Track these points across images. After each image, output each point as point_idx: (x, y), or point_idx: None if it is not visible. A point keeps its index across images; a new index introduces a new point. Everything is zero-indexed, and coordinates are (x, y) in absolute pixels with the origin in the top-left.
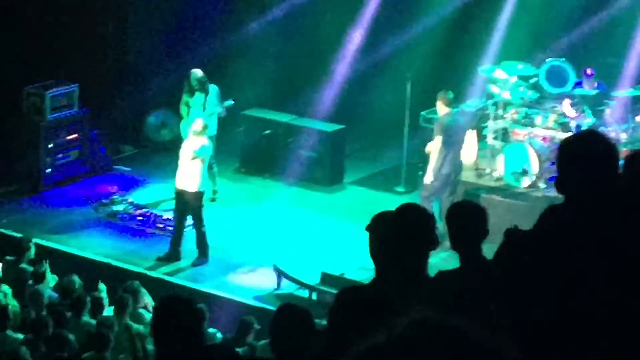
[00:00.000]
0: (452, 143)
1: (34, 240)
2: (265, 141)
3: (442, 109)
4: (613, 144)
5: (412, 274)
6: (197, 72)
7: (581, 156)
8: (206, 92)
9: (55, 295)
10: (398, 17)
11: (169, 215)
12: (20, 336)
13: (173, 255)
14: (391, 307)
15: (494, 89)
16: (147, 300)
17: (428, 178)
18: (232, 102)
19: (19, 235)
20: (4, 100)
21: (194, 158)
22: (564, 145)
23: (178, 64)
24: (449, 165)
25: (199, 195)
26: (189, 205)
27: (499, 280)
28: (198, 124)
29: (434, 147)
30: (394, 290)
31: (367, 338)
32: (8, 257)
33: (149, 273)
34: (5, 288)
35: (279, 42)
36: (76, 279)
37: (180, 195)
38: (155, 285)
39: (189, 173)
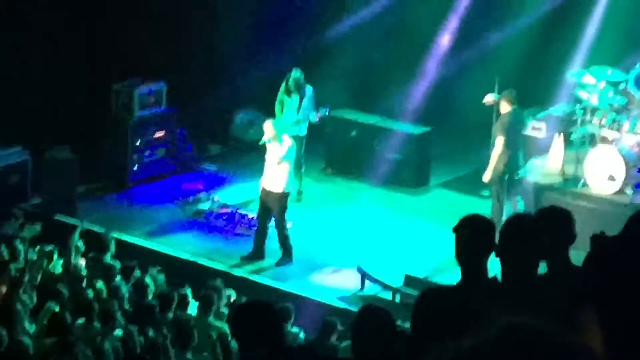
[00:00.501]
0: (511, 142)
1: (119, 237)
2: (351, 142)
3: (504, 107)
4: None
5: (497, 278)
6: (296, 72)
7: None
8: (302, 94)
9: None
10: (487, 20)
11: (254, 214)
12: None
13: (257, 254)
14: (474, 311)
15: (582, 94)
16: (233, 298)
17: (486, 177)
18: (328, 111)
19: (100, 229)
20: (93, 98)
21: (279, 162)
22: None
23: (265, 63)
24: (503, 165)
25: (283, 196)
26: (273, 206)
27: (588, 286)
28: (269, 131)
29: (496, 147)
30: (478, 294)
31: (449, 342)
32: (90, 254)
33: (233, 272)
34: (100, 284)
35: (367, 43)
36: (161, 276)
37: (265, 195)
38: (239, 284)
39: (275, 174)
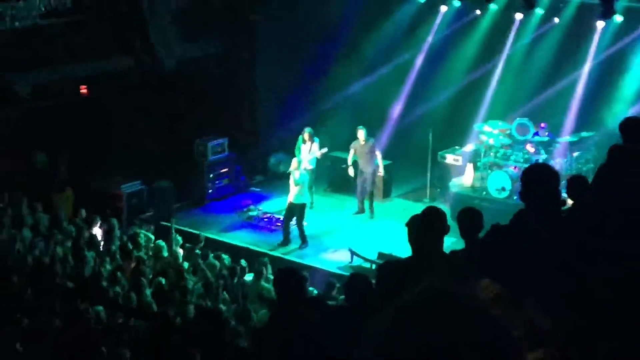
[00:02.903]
0: None
1: (204, 234)
2: (343, 171)
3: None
4: (556, 171)
5: (432, 253)
6: (309, 129)
7: (536, 179)
8: (312, 142)
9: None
10: (424, 90)
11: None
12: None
13: (285, 242)
14: (416, 275)
15: (483, 137)
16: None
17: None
18: (327, 150)
19: (194, 231)
20: (183, 148)
21: (299, 184)
22: (526, 172)
23: (290, 123)
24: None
25: (302, 206)
26: (296, 212)
27: (486, 257)
28: (293, 164)
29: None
30: (420, 264)
31: (395, 296)
32: (187, 245)
33: (272, 253)
34: (185, 264)
35: (347, 110)
36: (227, 256)
37: (290, 205)
38: (276, 261)
39: (296, 191)
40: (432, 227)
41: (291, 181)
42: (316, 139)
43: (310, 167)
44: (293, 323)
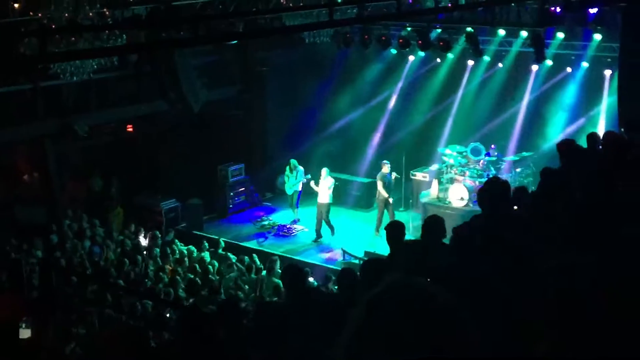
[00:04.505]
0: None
1: (223, 239)
2: (336, 188)
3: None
4: (505, 181)
5: (404, 250)
6: (294, 160)
7: (489, 189)
8: (297, 170)
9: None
10: (398, 121)
11: (289, 224)
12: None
13: (318, 237)
14: (392, 268)
15: (445, 158)
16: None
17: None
18: (309, 177)
19: (217, 237)
20: (208, 172)
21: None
22: (483, 185)
23: (292, 150)
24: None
25: (328, 206)
26: (323, 210)
27: (454, 255)
28: (329, 181)
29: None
30: (395, 259)
31: (369, 289)
32: (210, 248)
33: (281, 254)
34: (215, 262)
35: (328, 139)
36: (247, 258)
37: (319, 205)
38: (284, 259)
39: (323, 196)
40: (403, 231)
41: (319, 187)
42: (300, 169)
43: (300, 189)
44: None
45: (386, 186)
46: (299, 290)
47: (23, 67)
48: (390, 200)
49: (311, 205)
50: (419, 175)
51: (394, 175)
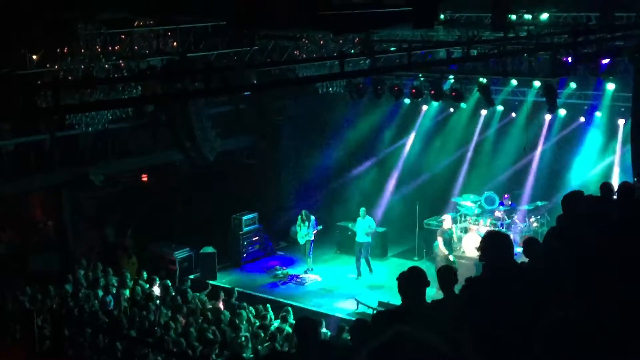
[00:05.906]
0: None
1: (237, 288)
2: (350, 237)
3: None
4: (506, 235)
5: (417, 304)
6: (306, 211)
7: (491, 243)
8: (309, 220)
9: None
10: (412, 171)
11: (302, 274)
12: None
13: (359, 273)
14: (404, 321)
15: (460, 207)
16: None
17: None
18: (321, 227)
19: (229, 286)
20: (222, 221)
21: (367, 234)
22: (486, 236)
23: (305, 201)
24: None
25: (368, 244)
26: (363, 248)
27: (466, 306)
28: (368, 221)
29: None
30: (409, 312)
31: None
32: (223, 297)
33: (293, 303)
34: (227, 313)
35: (317, 186)
36: (262, 307)
37: (358, 244)
38: (297, 310)
39: (361, 235)
40: (418, 281)
41: (356, 227)
42: (312, 219)
43: (313, 238)
44: None
45: (447, 243)
46: (310, 344)
47: (38, 118)
48: (451, 257)
49: (323, 254)
50: (432, 225)
51: (454, 230)
